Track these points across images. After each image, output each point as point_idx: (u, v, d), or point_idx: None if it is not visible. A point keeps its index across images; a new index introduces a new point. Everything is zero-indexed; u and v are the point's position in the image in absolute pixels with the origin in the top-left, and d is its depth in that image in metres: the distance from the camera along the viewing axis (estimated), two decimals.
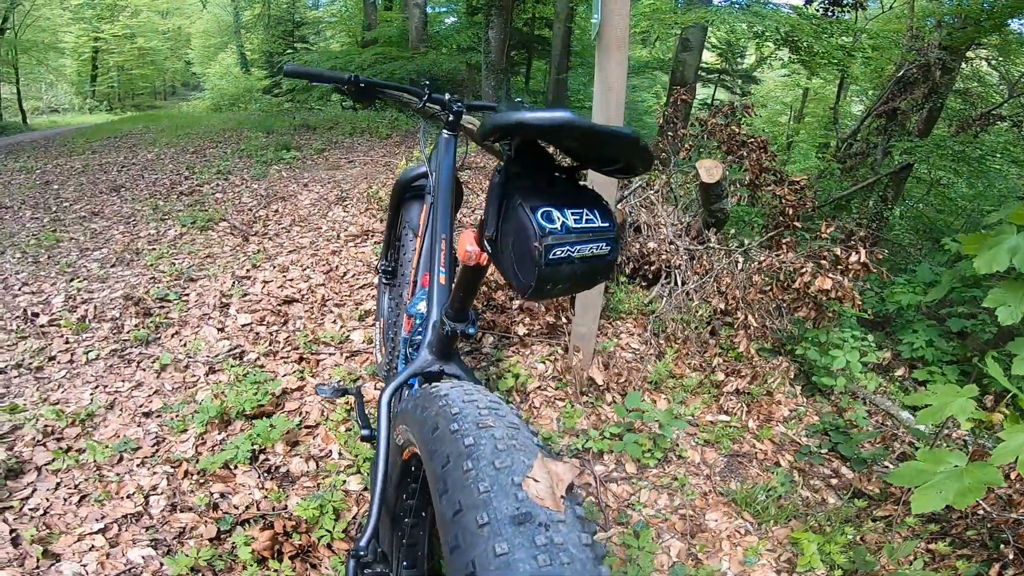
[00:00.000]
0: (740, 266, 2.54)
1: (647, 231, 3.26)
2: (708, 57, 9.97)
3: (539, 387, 2.03)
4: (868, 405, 2.67)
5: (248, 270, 2.81)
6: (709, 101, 11.91)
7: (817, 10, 5.66)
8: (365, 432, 1.16)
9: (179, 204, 4.19)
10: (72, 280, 2.65)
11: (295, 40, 16.44)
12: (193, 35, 24.75)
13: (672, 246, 3.01)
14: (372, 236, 3.38)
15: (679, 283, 2.81)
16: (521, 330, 2.18)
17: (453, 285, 0.91)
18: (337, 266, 2.88)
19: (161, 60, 24.57)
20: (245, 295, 2.53)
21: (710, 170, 2.67)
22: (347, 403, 1.83)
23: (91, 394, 1.90)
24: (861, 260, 2.20)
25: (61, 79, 21.49)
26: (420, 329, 1.14)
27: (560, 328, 2.31)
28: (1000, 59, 6.40)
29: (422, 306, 1.16)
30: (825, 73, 7.48)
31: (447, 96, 1.43)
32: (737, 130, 3.43)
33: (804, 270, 2.21)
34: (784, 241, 3.53)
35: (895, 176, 6.52)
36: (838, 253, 2.29)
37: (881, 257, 2.42)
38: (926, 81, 6.15)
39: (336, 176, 5.50)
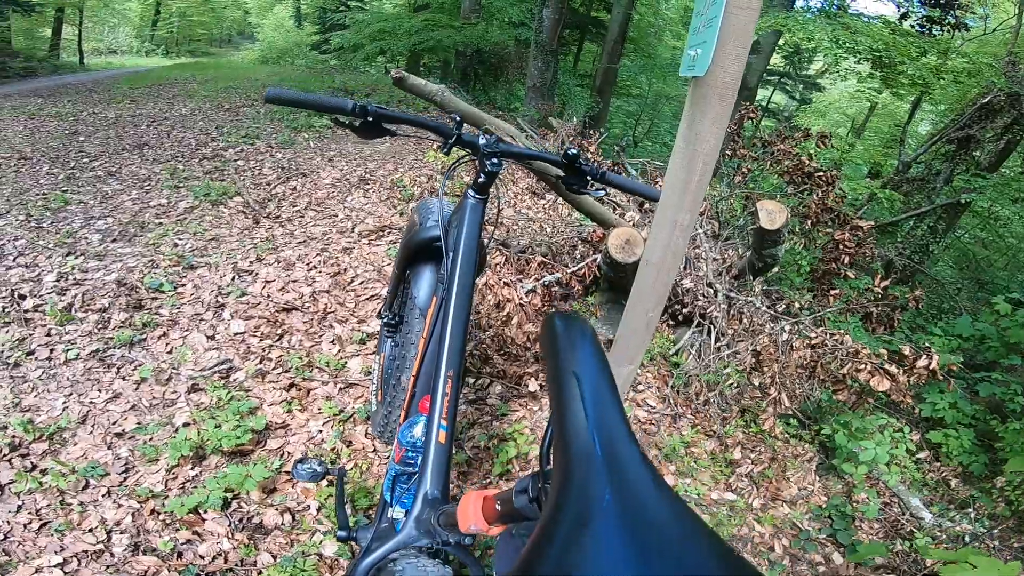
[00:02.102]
0: (786, 335, 2.26)
1: (685, 264, 2.98)
2: (772, 59, 9.31)
3: None
4: (879, 485, 2.46)
5: (251, 262, 2.64)
6: (765, 104, 11.22)
7: (912, 26, 5.11)
8: (342, 533, 0.99)
9: (198, 170, 4.03)
10: (68, 255, 2.52)
11: None
12: None
13: (710, 288, 2.73)
14: (388, 233, 3.18)
15: (712, 336, 2.54)
16: (533, 385, 1.96)
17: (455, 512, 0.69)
18: (346, 268, 2.69)
19: (221, 8, 24.51)
20: (243, 295, 2.36)
21: (772, 214, 2.35)
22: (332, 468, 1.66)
23: (64, 403, 1.76)
24: (931, 367, 1.90)
25: (124, 22, 21.70)
26: (411, 460, 0.94)
27: None
28: None
29: (418, 431, 0.95)
30: (901, 90, 6.89)
31: (482, 138, 1.11)
32: (807, 160, 3.07)
33: (863, 366, 1.92)
34: (832, 292, 3.22)
35: (951, 208, 6.04)
36: (906, 352, 2.00)
37: (952, 367, 2.15)
38: (1012, 110, 5.61)
39: (364, 151, 5.29)
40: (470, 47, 9.35)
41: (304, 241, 2.99)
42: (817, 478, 2.35)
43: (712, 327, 2.56)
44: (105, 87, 9.18)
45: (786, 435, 2.46)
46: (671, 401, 2.41)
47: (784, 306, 2.62)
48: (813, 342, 2.10)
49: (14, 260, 2.44)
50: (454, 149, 1.12)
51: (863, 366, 1.98)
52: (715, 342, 2.53)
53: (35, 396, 1.77)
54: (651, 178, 3.56)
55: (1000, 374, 3.25)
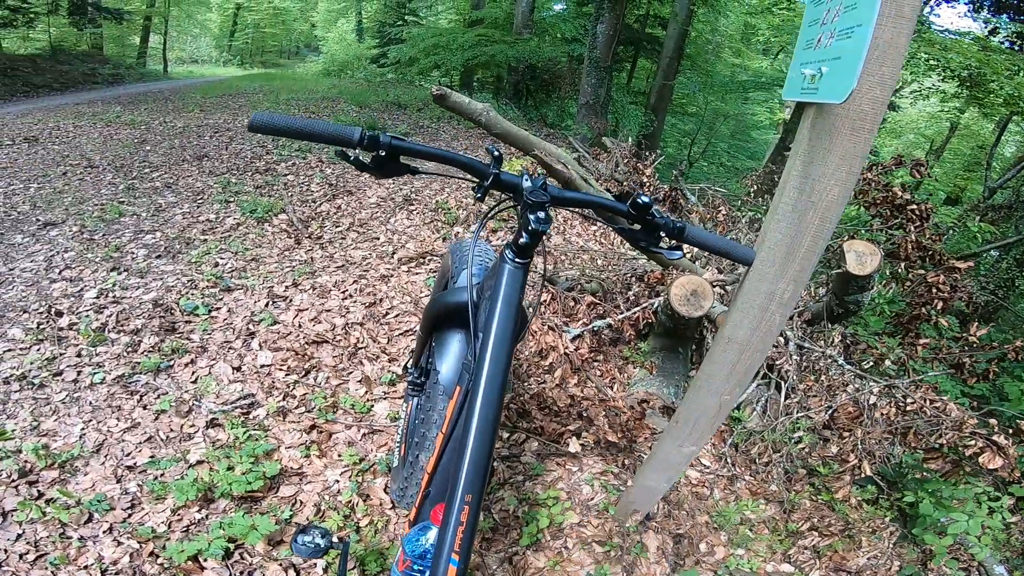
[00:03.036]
0: (873, 398, 1.94)
1: None
2: None
3: (579, 523, 1.60)
4: (960, 551, 2.07)
5: (287, 287, 2.57)
6: None
7: (1000, 43, 4.63)
8: None
9: (250, 184, 4.08)
10: (112, 270, 2.53)
11: (406, 12, 16.51)
12: None
13: (780, 336, 2.43)
14: (428, 261, 3.05)
15: (781, 391, 2.24)
16: (573, 445, 1.75)
17: None
18: (382, 299, 2.57)
19: (291, 20, 25.92)
20: (274, 324, 2.27)
21: (863, 257, 2.03)
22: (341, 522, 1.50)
23: (82, 430, 1.70)
24: None
25: (205, 32, 23.29)
26: (416, 574, 0.76)
27: (620, 447, 1.85)
28: None
29: (427, 540, 0.77)
30: (992, 109, 6.27)
31: (526, 181, 0.85)
32: (899, 192, 2.71)
33: (972, 442, 1.60)
34: (920, 341, 2.84)
35: None
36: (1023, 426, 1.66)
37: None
38: None
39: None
40: (523, 62, 9.30)
41: (343, 266, 2.90)
42: (890, 545, 2.01)
43: (782, 381, 2.26)
44: (180, 96, 9.69)
45: (860, 501, 2.13)
46: (728, 460, 2.13)
47: (869, 359, 2.28)
48: (908, 408, 1.78)
49: (59, 273, 2.46)
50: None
51: (972, 441, 1.65)
52: (784, 398, 2.23)
53: (55, 420, 1.72)
54: (713, 206, 3.27)
55: None
